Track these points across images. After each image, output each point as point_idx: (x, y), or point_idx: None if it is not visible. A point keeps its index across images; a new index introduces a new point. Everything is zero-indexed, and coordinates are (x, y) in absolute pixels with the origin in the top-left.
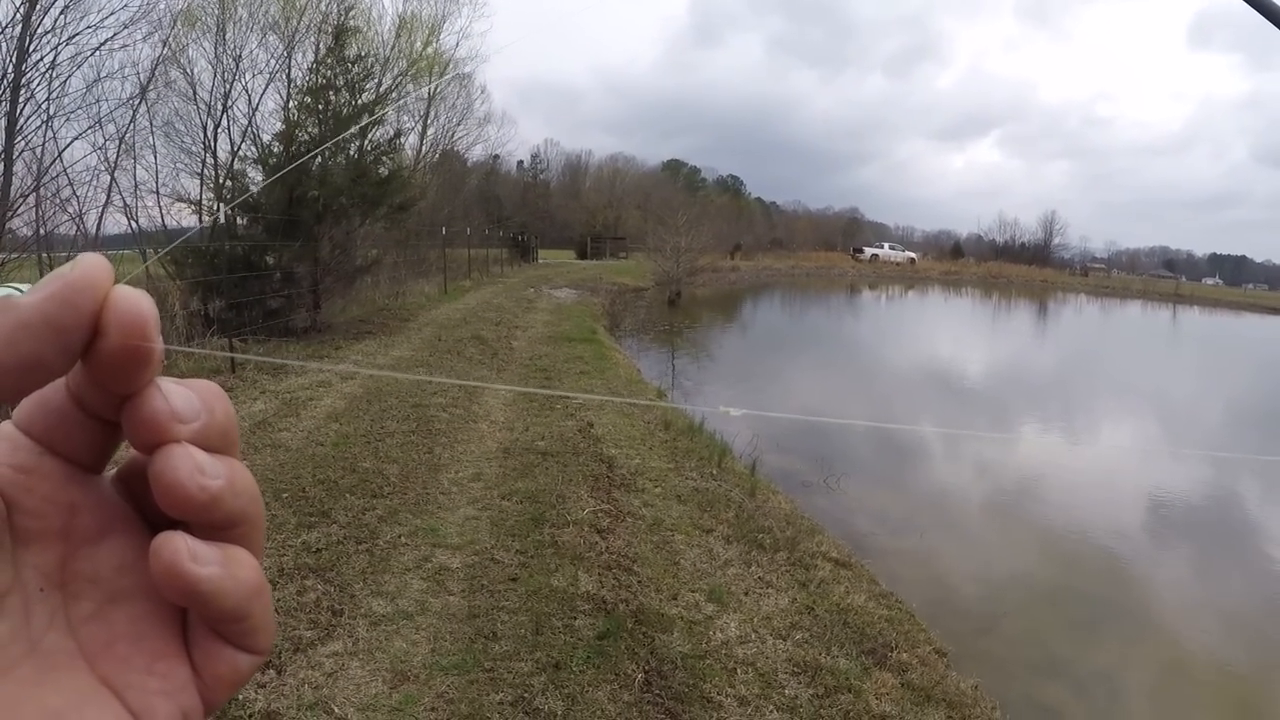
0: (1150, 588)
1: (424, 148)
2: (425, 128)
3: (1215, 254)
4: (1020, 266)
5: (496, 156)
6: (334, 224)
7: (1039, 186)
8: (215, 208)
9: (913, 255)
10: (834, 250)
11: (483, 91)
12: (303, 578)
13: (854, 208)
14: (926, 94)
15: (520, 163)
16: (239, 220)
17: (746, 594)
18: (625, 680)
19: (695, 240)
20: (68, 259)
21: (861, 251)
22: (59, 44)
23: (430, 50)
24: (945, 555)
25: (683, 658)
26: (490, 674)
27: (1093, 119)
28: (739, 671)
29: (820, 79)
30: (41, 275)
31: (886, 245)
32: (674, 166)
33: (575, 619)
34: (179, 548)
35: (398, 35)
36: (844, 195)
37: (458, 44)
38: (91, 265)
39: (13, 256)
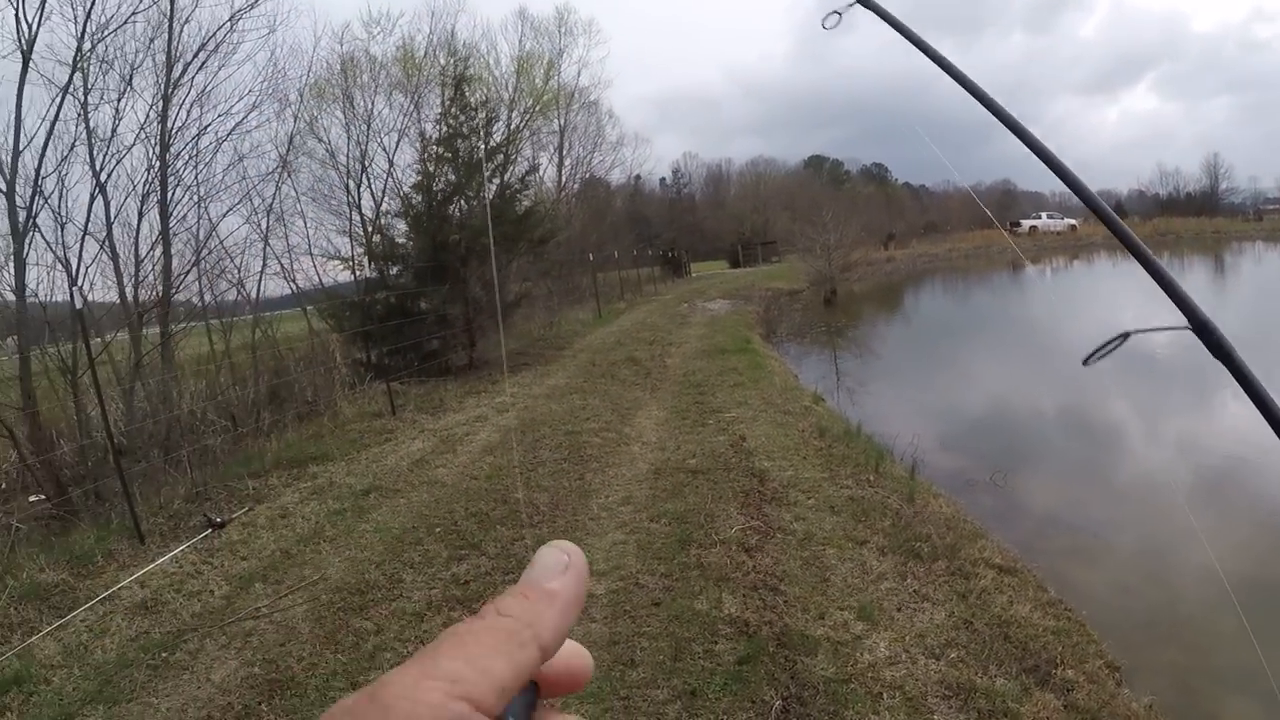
0: None
1: (563, 178)
2: (561, 159)
3: None
4: (1187, 219)
5: (638, 177)
6: (480, 264)
7: (1201, 128)
8: (365, 262)
9: (1073, 222)
10: (990, 227)
11: (610, 116)
12: (450, 609)
13: (1006, 179)
14: (1071, 45)
15: (662, 180)
16: (390, 271)
17: (899, 610)
18: (762, 707)
19: (845, 235)
20: (233, 322)
21: (1019, 225)
22: (197, 134)
23: (552, 84)
24: (1123, 554)
25: (825, 682)
26: (625, 702)
27: (1249, 42)
28: (885, 696)
29: (959, 46)
30: (211, 341)
31: (1045, 215)
32: (816, 163)
33: (716, 643)
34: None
35: (518, 74)
36: (995, 168)
37: (579, 74)
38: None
39: (184, 325)
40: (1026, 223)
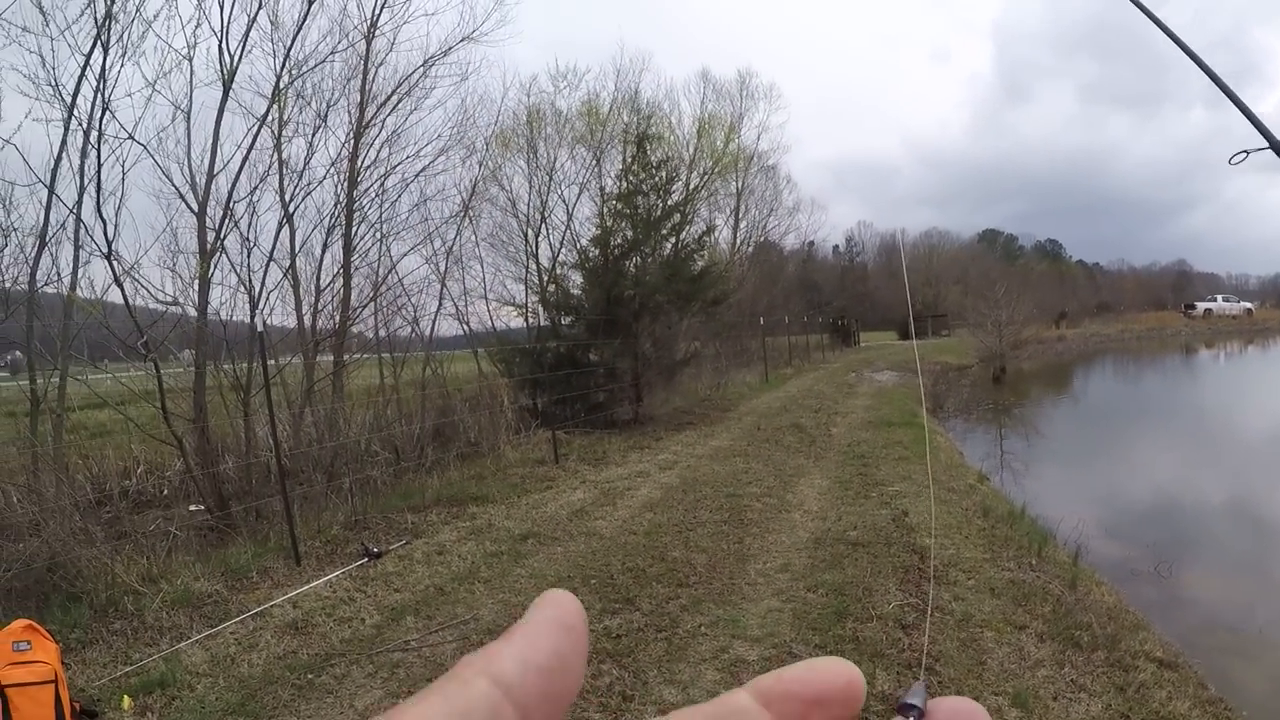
0: None
1: (737, 241)
2: (738, 221)
3: None
4: None
5: (811, 243)
6: (652, 320)
7: None
8: (539, 310)
9: (1249, 305)
10: (1164, 309)
11: (788, 181)
12: (599, 661)
13: (1181, 260)
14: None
15: (835, 247)
16: (562, 320)
17: (1055, 699)
18: None
19: (1016, 312)
20: (405, 358)
21: (1194, 307)
22: (385, 173)
23: (732, 147)
24: None
25: None
26: None
27: None
28: None
29: (1137, 121)
30: (382, 374)
31: (1220, 298)
32: (990, 236)
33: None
34: None
35: (699, 136)
36: (1170, 248)
37: (758, 138)
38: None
39: (357, 356)
40: (1202, 305)
